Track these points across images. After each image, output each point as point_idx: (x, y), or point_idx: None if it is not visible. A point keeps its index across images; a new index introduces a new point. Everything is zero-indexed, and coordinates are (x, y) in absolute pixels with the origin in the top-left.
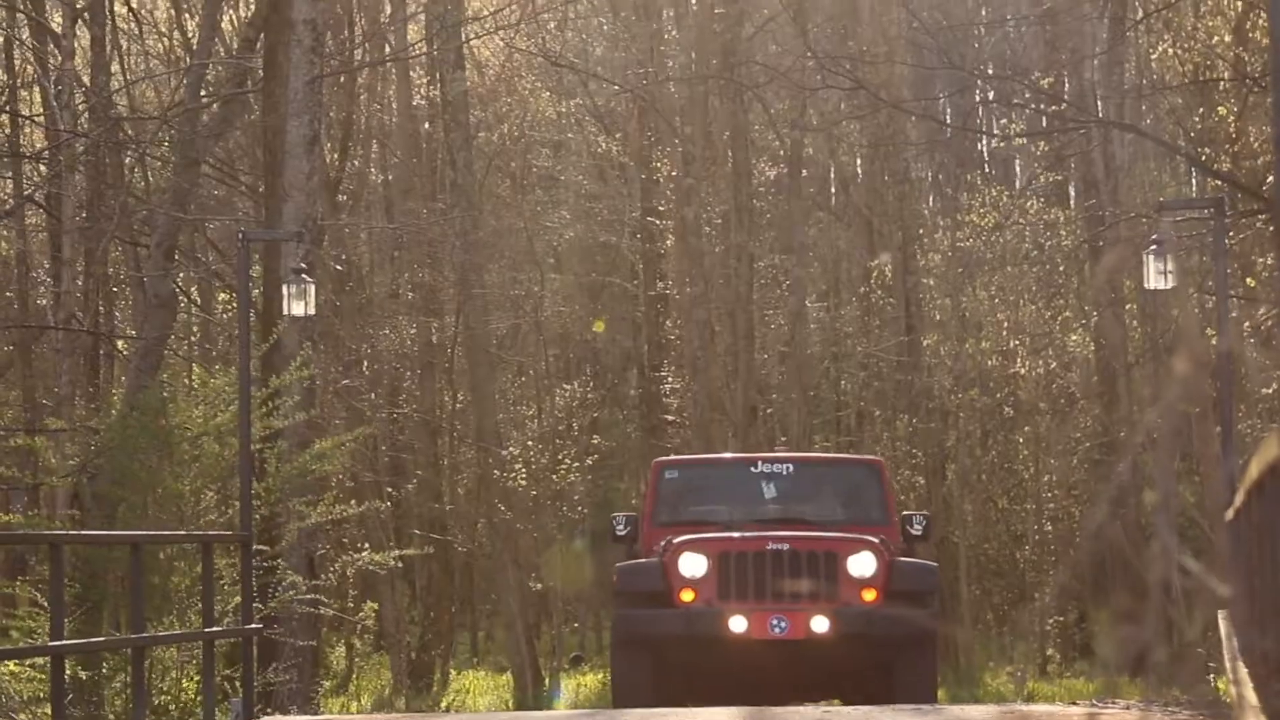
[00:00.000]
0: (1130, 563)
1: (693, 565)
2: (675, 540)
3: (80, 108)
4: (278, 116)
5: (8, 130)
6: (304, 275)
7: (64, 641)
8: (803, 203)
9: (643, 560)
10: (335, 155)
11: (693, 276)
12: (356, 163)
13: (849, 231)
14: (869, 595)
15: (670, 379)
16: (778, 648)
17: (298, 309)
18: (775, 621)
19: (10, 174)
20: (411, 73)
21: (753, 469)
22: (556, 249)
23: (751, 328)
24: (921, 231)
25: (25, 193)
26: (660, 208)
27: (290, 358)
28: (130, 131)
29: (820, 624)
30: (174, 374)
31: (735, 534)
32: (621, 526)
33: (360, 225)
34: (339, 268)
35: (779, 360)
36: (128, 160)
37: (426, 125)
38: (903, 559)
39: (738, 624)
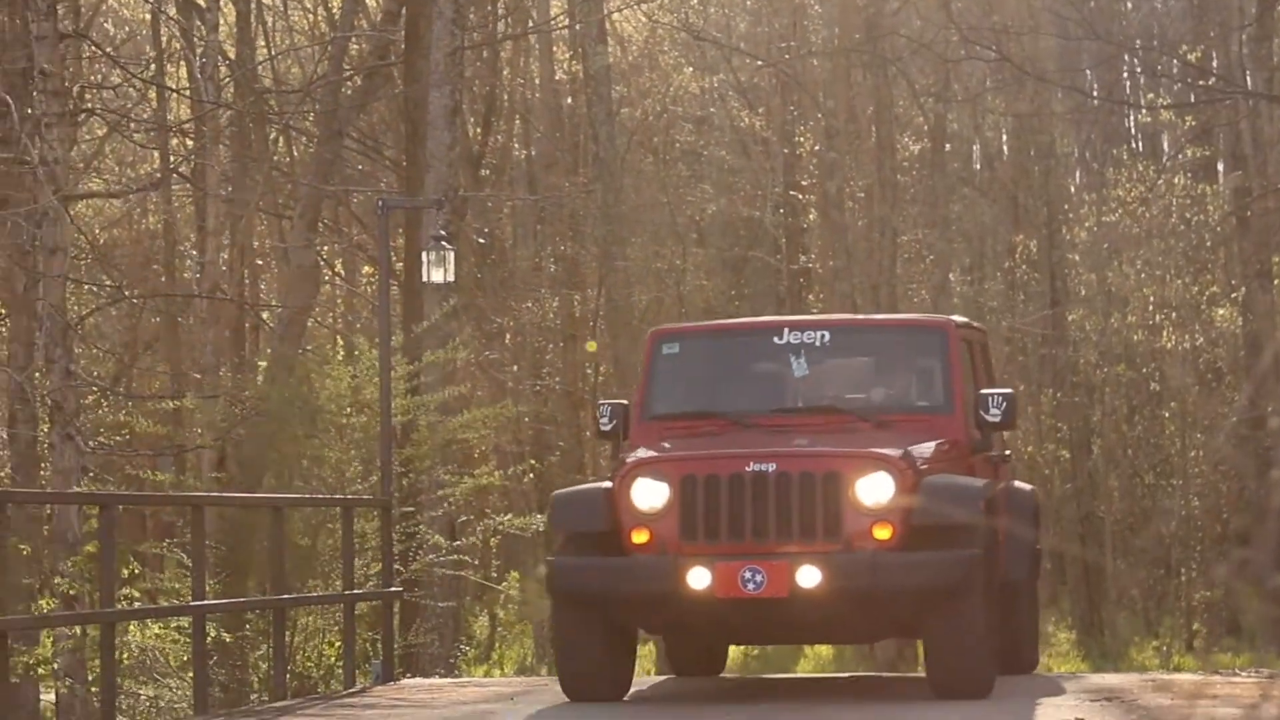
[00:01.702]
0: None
1: (649, 494)
2: (631, 458)
3: (225, 81)
4: (420, 88)
5: (154, 103)
6: (443, 243)
7: (205, 601)
8: (946, 178)
9: (586, 487)
10: (478, 129)
11: (835, 251)
12: (500, 137)
13: (994, 207)
14: (881, 533)
15: None
16: (750, 609)
17: (437, 276)
18: (749, 575)
19: (157, 147)
20: (554, 47)
21: (777, 339)
22: (699, 223)
23: (895, 302)
24: (1067, 207)
25: (171, 165)
26: (803, 182)
27: (435, 330)
28: (274, 104)
29: (809, 576)
30: (318, 345)
31: (704, 451)
32: (607, 419)
33: (503, 198)
34: (481, 241)
35: None
36: (272, 133)
37: (569, 100)
38: (939, 478)
39: (698, 578)
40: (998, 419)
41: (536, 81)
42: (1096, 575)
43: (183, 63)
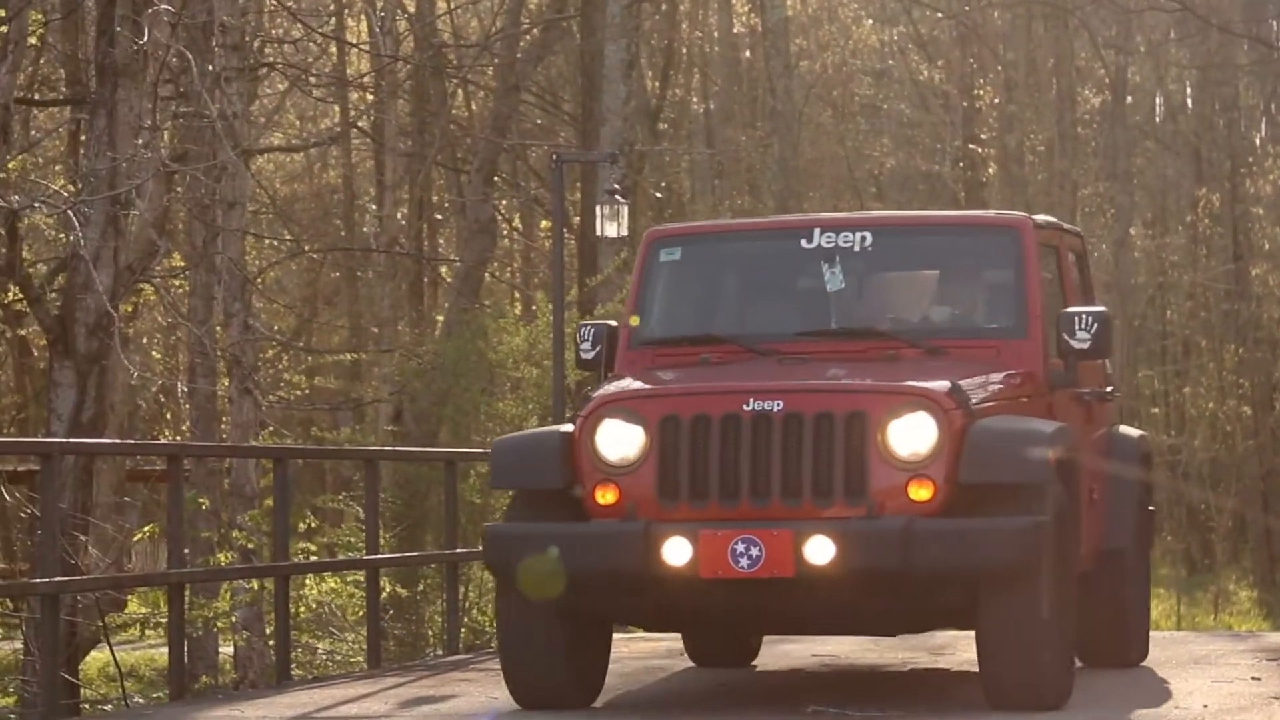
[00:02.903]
0: None
1: (618, 440)
2: (599, 393)
3: (404, 35)
4: (596, 41)
5: (334, 58)
6: (618, 196)
7: (379, 556)
8: (1128, 131)
9: (539, 432)
10: (656, 83)
11: (1015, 204)
12: (677, 91)
13: (1176, 160)
14: (919, 493)
15: None
16: (744, 593)
17: (611, 230)
18: (742, 547)
19: (336, 101)
20: (733, 0)
21: (805, 243)
22: (877, 177)
23: None
24: (1251, 160)
25: (350, 120)
26: (982, 135)
27: (609, 283)
28: (452, 58)
29: (821, 550)
30: (495, 299)
31: (692, 385)
32: (589, 344)
33: (680, 152)
34: (659, 195)
35: (1104, 290)
36: (450, 87)
37: (747, 53)
38: (997, 421)
39: (676, 551)
40: (1085, 345)
41: (715, 35)
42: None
43: (362, 17)
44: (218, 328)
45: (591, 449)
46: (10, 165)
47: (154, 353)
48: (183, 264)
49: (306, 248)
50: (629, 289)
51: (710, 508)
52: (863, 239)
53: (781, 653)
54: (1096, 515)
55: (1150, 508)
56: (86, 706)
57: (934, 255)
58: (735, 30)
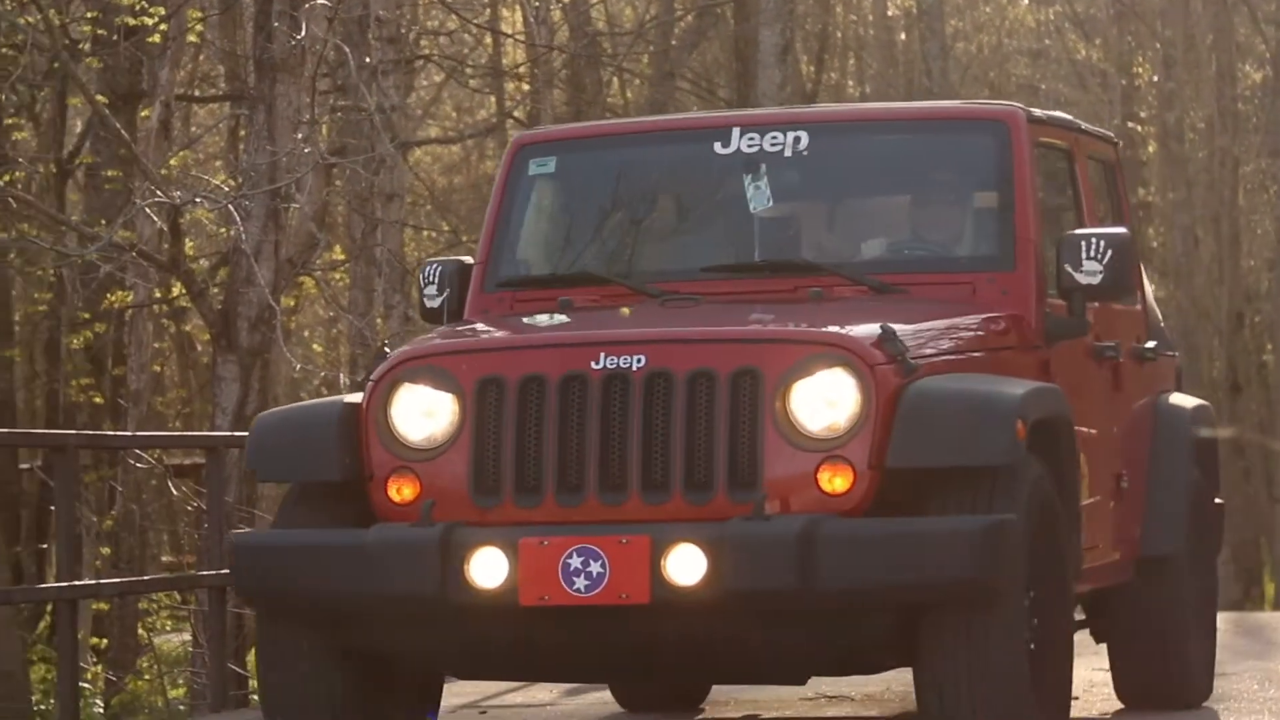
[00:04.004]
0: None
1: (419, 413)
2: (398, 351)
3: (558, 24)
4: (750, 26)
5: (489, 49)
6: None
7: None
8: None
9: (317, 404)
10: (811, 68)
11: (1175, 182)
12: (833, 75)
13: None
14: (835, 482)
15: (1154, 287)
16: (580, 628)
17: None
18: (577, 562)
19: (492, 92)
20: None
21: (720, 148)
22: None
23: (1237, 233)
24: None
25: (507, 110)
26: (1141, 114)
27: None
28: (607, 46)
29: (686, 565)
30: None
31: (524, 337)
32: (435, 287)
33: None
34: None
35: (1267, 267)
36: (605, 75)
37: (902, 35)
38: (943, 382)
39: (488, 569)
40: (1096, 280)
41: (869, 18)
42: None
43: (517, 7)
44: (378, 319)
45: (385, 425)
46: (171, 161)
47: (315, 345)
48: (343, 257)
49: (464, 238)
50: (485, 223)
51: (544, 506)
52: (796, 141)
53: (733, 695)
54: (1129, 512)
55: (1217, 500)
56: (255, 698)
57: (890, 161)
58: (890, 13)
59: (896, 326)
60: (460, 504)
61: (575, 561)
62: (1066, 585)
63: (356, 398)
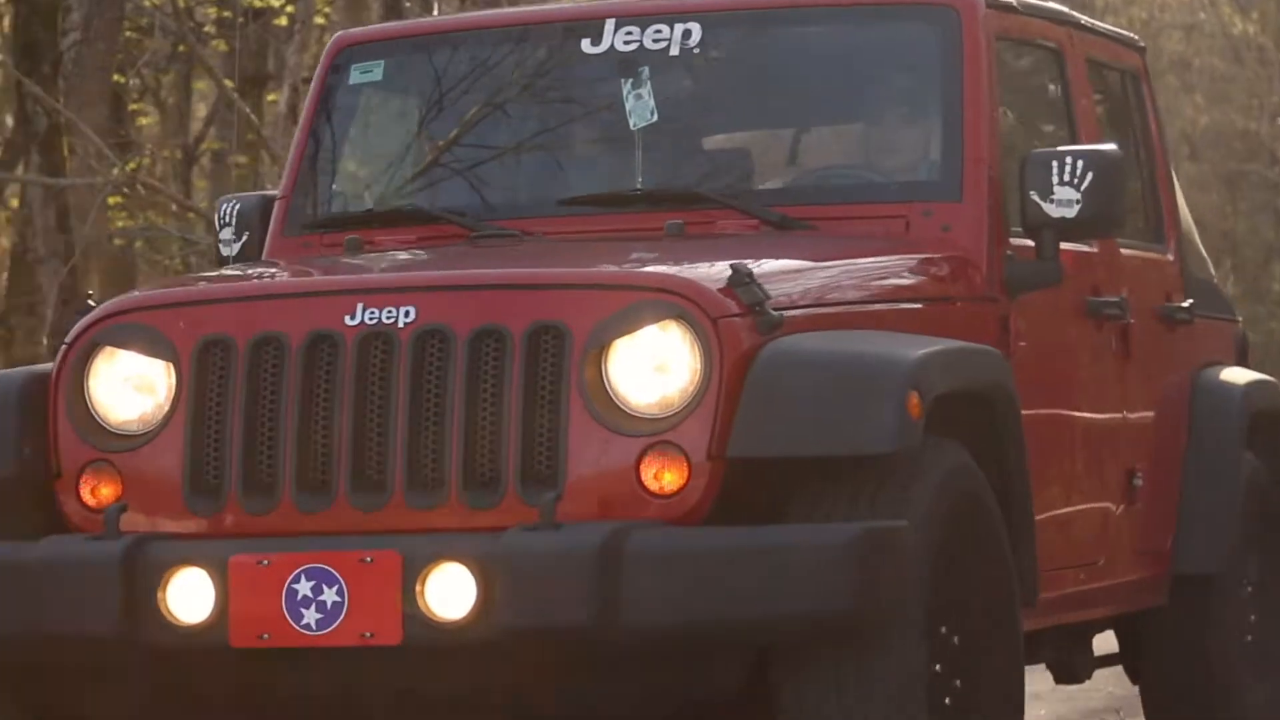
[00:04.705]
0: None
1: (123, 386)
2: (105, 305)
3: None
4: None
5: None
6: None
7: None
8: None
9: None
10: None
11: None
12: None
13: None
14: (664, 477)
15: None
16: (313, 676)
17: None
18: (306, 590)
19: None
20: None
21: (591, 46)
22: (1190, 136)
23: None
24: None
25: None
26: None
27: None
28: None
29: (449, 593)
30: None
31: (262, 284)
32: (232, 229)
33: None
34: None
35: None
36: None
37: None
38: (806, 340)
39: (188, 598)
40: (1072, 213)
41: None
42: None
43: None
44: None
45: (78, 403)
46: None
47: None
48: None
49: None
50: (292, 150)
51: (280, 511)
52: (686, 36)
53: None
54: (1154, 518)
55: None
56: None
57: (804, 62)
58: None
59: (765, 267)
60: (170, 508)
61: (304, 587)
62: (1008, 616)
63: (47, 367)
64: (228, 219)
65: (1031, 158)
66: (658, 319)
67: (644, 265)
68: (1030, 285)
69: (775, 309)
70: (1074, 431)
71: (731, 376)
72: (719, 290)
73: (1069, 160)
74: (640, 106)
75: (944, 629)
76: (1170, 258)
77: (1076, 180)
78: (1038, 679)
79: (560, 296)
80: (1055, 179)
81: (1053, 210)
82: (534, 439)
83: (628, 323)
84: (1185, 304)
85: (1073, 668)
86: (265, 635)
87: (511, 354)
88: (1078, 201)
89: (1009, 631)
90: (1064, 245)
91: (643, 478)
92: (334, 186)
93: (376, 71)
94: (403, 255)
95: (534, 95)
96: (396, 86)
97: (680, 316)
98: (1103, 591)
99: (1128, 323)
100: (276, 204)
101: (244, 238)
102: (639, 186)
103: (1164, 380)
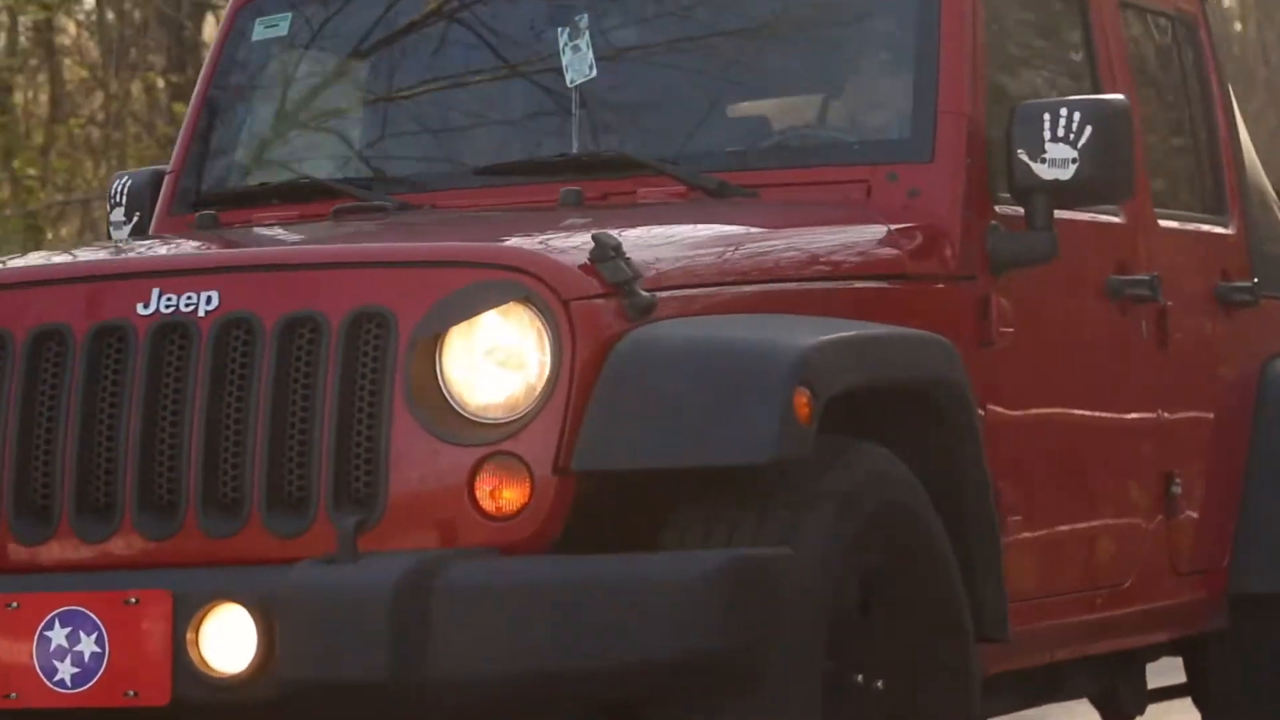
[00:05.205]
0: None
1: None
2: None
3: None
4: None
5: None
6: None
7: None
8: None
9: None
10: None
11: None
12: None
13: None
14: (502, 495)
15: None
16: None
17: None
18: (60, 639)
19: None
20: None
21: None
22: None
23: None
24: None
25: None
26: None
27: None
28: None
29: (227, 644)
30: None
31: (47, 267)
32: (123, 208)
33: None
34: None
35: None
36: None
37: (1238, 25)
38: (678, 327)
39: None
40: (1068, 174)
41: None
42: None
43: None
44: None
45: None
46: None
47: None
48: None
49: None
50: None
51: (57, 538)
52: None
53: None
54: (1206, 531)
55: None
56: None
57: (759, 6)
58: (1225, 4)
59: (654, 239)
60: None
61: (58, 635)
62: (955, 657)
63: None
64: (118, 198)
65: (1020, 110)
66: (499, 302)
67: (498, 240)
68: (1018, 261)
69: (653, 289)
70: (1084, 433)
71: (586, 372)
72: (577, 267)
73: (1064, 112)
74: (578, 60)
75: (860, 676)
76: (1231, 230)
77: (1073, 136)
78: (1081, 716)
79: (385, 276)
80: (1048, 135)
81: (1045, 171)
82: (350, 451)
83: (462, 307)
84: (1246, 284)
85: (1120, 702)
86: (13, 695)
87: (328, 347)
88: (1074, 161)
89: (957, 675)
90: (1076, 215)
91: (476, 496)
92: (236, 158)
93: (282, 25)
94: (233, 233)
95: (459, 49)
96: (304, 42)
97: (526, 299)
98: (1132, 617)
99: (1163, 305)
100: (166, 179)
101: (134, 218)
102: (574, 151)
103: (1217, 371)
